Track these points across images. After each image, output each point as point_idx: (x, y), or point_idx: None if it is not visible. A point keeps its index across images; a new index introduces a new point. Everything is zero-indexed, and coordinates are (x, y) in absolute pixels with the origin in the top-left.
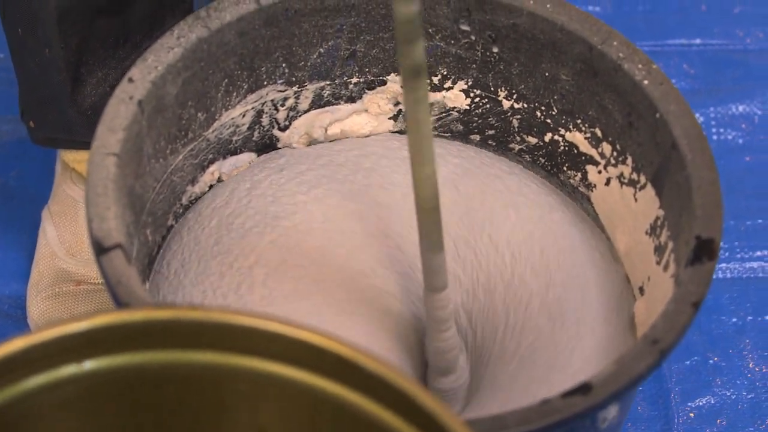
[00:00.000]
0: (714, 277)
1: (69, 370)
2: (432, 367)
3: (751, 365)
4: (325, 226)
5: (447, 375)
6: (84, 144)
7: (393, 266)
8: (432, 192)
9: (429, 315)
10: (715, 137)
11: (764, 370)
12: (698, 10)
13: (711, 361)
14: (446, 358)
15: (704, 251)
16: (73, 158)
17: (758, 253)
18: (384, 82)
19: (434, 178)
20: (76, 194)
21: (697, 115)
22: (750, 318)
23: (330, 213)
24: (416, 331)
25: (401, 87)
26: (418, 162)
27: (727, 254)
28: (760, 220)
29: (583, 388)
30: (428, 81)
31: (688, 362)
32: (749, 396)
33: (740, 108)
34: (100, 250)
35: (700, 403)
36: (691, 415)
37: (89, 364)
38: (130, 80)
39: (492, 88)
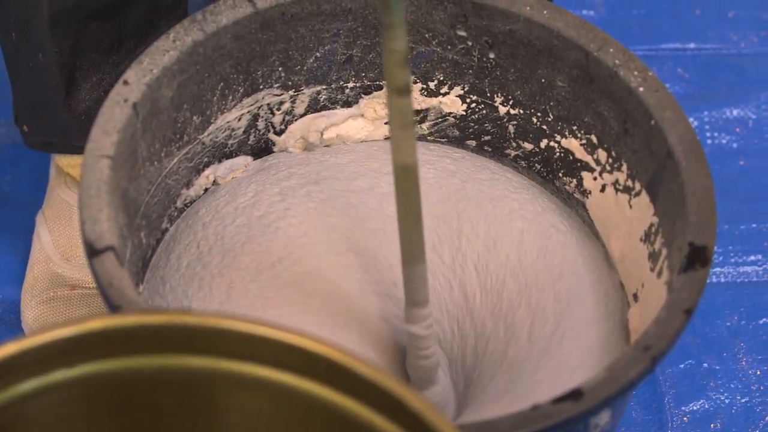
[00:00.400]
0: (708, 281)
1: (61, 374)
2: (413, 380)
3: (745, 369)
4: (306, 238)
5: (428, 388)
6: (78, 148)
7: (373, 280)
8: (414, 199)
9: (410, 331)
10: (709, 141)
11: (758, 374)
12: (692, 15)
13: (705, 365)
14: (427, 372)
15: (698, 258)
16: (67, 163)
17: (752, 258)
18: (380, 87)
19: (416, 187)
20: (71, 199)
21: (691, 119)
22: (744, 322)
23: (314, 224)
24: (396, 346)
25: (387, 93)
26: (398, 168)
27: (721, 258)
28: (754, 225)
29: (575, 394)
30: (425, 87)
31: (682, 366)
32: (743, 400)
33: (734, 112)
34: (92, 252)
35: (694, 408)
36: (685, 419)
37: (81, 369)
38: (125, 83)
39: (488, 94)
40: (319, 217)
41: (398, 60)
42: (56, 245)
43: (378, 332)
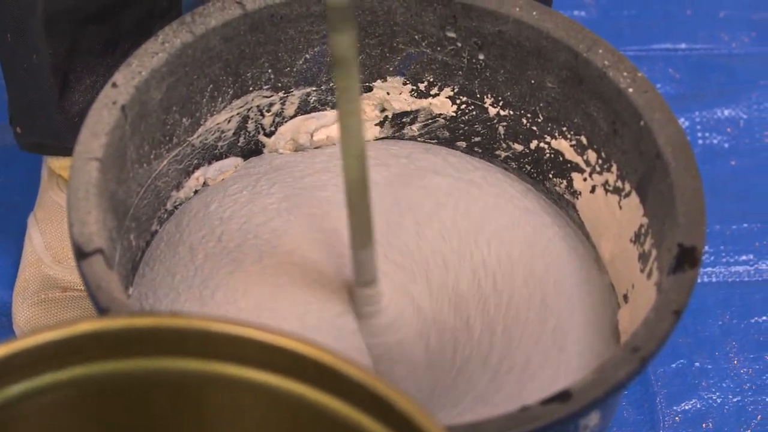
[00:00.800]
0: (699, 281)
1: (51, 377)
2: None
3: (737, 368)
4: (279, 231)
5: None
6: (71, 150)
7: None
8: (360, 185)
9: (359, 311)
10: (700, 141)
11: (750, 373)
12: (683, 15)
13: (697, 365)
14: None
15: (686, 259)
16: (59, 165)
17: (743, 257)
18: (370, 89)
19: (364, 173)
20: (63, 201)
21: (682, 119)
22: (736, 321)
23: (286, 218)
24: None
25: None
26: (346, 154)
27: (712, 258)
28: (745, 224)
29: (563, 396)
30: (415, 88)
31: (674, 366)
32: (735, 399)
33: (725, 112)
34: (81, 254)
35: (686, 407)
36: (677, 418)
37: (71, 372)
38: (114, 85)
39: (478, 95)
40: (290, 212)
41: (346, 40)
42: (48, 247)
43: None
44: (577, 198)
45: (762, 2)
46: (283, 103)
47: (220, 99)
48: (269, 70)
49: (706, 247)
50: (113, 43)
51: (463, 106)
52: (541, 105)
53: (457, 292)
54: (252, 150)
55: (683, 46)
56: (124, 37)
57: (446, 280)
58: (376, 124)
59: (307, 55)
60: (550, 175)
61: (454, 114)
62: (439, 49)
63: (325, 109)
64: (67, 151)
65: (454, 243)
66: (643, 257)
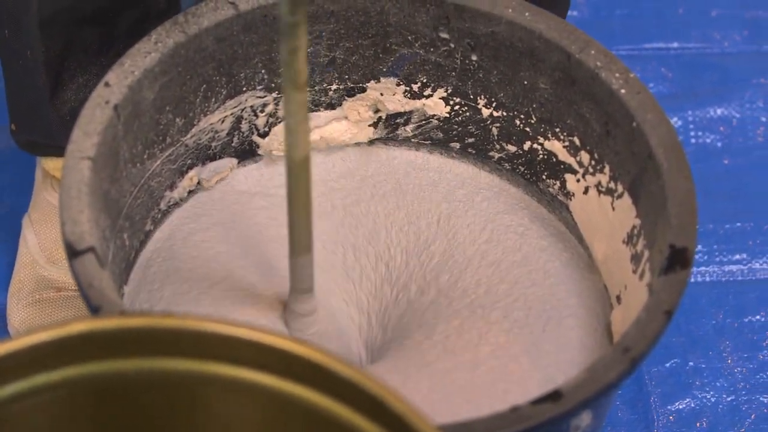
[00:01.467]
0: (693, 280)
1: (43, 378)
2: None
3: (731, 367)
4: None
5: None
6: (63, 150)
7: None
8: (304, 192)
9: (293, 318)
10: (693, 141)
11: (744, 372)
12: (675, 14)
13: (691, 364)
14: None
15: (678, 260)
16: (53, 166)
17: (737, 257)
18: (364, 90)
19: (306, 178)
20: (57, 202)
21: (675, 118)
22: (729, 320)
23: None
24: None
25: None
26: (289, 154)
27: (706, 257)
28: (738, 224)
29: (554, 396)
30: (408, 89)
31: (667, 365)
32: (729, 398)
33: (718, 111)
34: (73, 253)
35: (680, 406)
36: (671, 418)
37: (64, 372)
38: (107, 84)
39: (471, 96)
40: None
41: (300, 57)
42: (42, 248)
43: (268, 299)
44: (570, 199)
45: (754, 1)
46: (276, 104)
47: (213, 99)
48: (263, 71)
49: (700, 246)
50: (108, 44)
51: (457, 107)
52: (534, 106)
53: (446, 294)
54: (246, 150)
55: (675, 45)
56: (119, 38)
57: (431, 280)
58: (369, 125)
59: None
60: (544, 176)
61: (448, 115)
62: (432, 49)
63: (319, 110)
64: (60, 150)
65: (444, 244)
66: (636, 258)
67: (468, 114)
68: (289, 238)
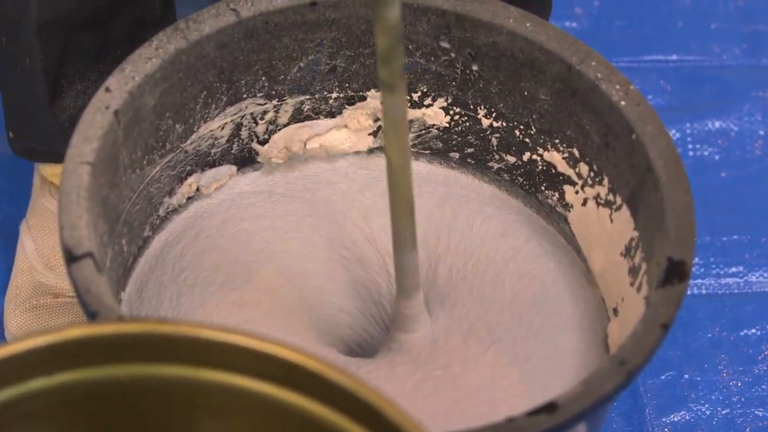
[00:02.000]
0: (689, 293)
1: (39, 383)
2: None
3: (726, 381)
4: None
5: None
6: (62, 157)
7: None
8: (406, 188)
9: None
10: (691, 153)
11: (739, 385)
12: (675, 26)
13: (686, 377)
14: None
15: (675, 273)
16: (51, 172)
17: (733, 269)
18: (364, 98)
19: (408, 174)
20: (55, 207)
21: (673, 131)
22: (725, 333)
23: (297, 239)
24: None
25: (380, 89)
26: (393, 157)
27: (702, 270)
28: (735, 236)
29: (549, 407)
30: (408, 99)
31: (663, 377)
32: (724, 411)
33: (716, 124)
34: (71, 258)
35: (675, 419)
36: (666, 430)
37: (60, 377)
38: (107, 90)
39: (471, 106)
40: (306, 231)
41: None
42: (40, 254)
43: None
44: (569, 211)
45: (753, 14)
46: (276, 111)
47: (213, 106)
48: (263, 78)
49: (696, 259)
50: (105, 49)
51: (457, 117)
52: (534, 117)
53: (442, 307)
54: (245, 158)
55: (674, 57)
56: (115, 44)
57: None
58: (369, 134)
59: (301, 64)
60: (542, 188)
61: (448, 125)
62: (432, 59)
63: (319, 118)
64: (58, 157)
65: (439, 250)
66: (633, 271)
67: (468, 124)
68: (393, 237)
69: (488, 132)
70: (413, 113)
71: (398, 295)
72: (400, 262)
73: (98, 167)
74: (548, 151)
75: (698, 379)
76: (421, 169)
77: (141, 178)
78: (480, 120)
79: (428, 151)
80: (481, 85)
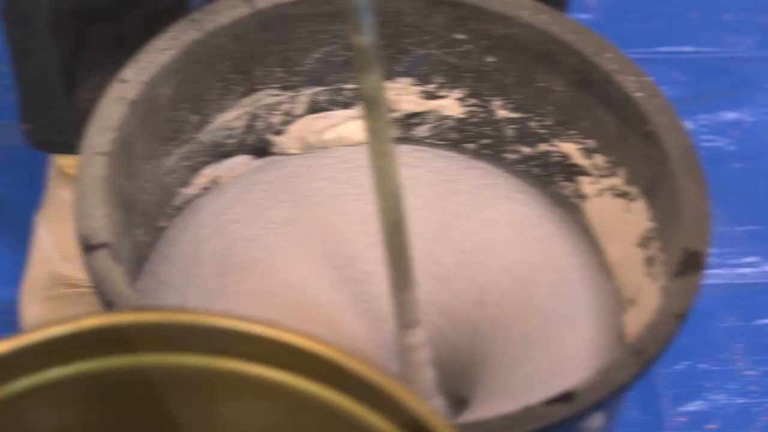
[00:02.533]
0: (705, 282)
1: (56, 372)
2: None
3: (742, 370)
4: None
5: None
6: (77, 148)
7: (355, 302)
8: (396, 226)
9: (403, 357)
10: (705, 144)
11: (755, 375)
12: (688, 18)
13: (702, 366)
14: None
15: (691, 263)
16: (66, 163)
17: (748, 259)
18: None
19: (399, 214)
20: (70, 198)
21: (687, 122)
22: (741, 323)
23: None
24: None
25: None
26: (381, 194)
27: (718, 260)
28: (750, 227)
29: (566, 397)
30: (423, 90)
31: (679, 367)
32: (740, 401)
33: (730, 115)
34: (87, 248)
35: (691, 408)
36: (682, 419)
37: (77, 367)
38: (123, 80)
39: (487, 98)
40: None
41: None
42: (56, 245)
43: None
44: (585, 202)
45: (767, 5)
46: (292, 102)
47: (229, 97)
48: (278, 69)
49: (713, 249)
50: (120, 41)
51: (472, 108)
52: (550, 108)
53: (460, 298)
54: (261, 149)
55: (688, 49)
56: (130, 35)
57: (448, 286)
58: None
59: (317, 55)
60: (558, 179)
61: (463, 116)
62: (448, 50)
63: (335, 109)
64: (74, 148)
65: (451, 237)
66: (649, 261)
67: (483, 115)
68: (390, 276)
69: (503, 123)
70: (428, 104)
71: (399, 332)
72: (399, 301)
73: (114, 158)
74: (564, 142)
75: (714, 368)
76: (436, 160)
77: (156, 168)
78: (495, 111)
79: (444, 143)
80: (496, 77)
